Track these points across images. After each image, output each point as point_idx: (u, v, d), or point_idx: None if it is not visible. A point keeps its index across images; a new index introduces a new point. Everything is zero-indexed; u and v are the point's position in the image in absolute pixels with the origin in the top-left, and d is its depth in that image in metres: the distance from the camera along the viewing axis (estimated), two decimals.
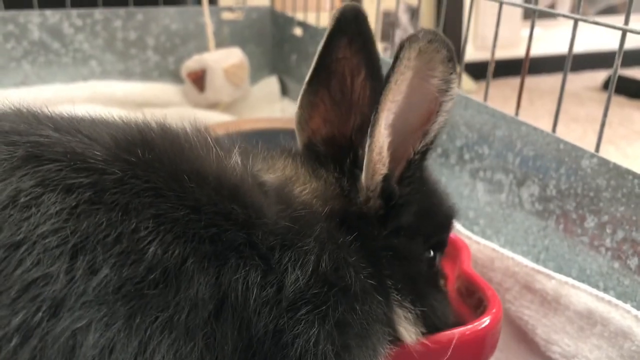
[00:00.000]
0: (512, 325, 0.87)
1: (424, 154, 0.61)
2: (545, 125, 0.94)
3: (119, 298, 0.41)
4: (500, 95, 2.47)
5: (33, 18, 1.61)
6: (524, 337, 0.86)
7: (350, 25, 0.66)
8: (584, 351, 0.75)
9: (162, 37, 1.77)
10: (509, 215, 1.00)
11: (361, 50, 0.66)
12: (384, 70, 0.60)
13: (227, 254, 0.46)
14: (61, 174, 0.43)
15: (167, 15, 1.76)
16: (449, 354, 0.65)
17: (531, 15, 0.98)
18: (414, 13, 2.57)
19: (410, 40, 0.53)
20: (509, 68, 2.33)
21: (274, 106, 1.83)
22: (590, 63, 2.91)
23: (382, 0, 1.40)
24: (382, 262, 0.61)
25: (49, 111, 0.52)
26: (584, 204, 0.86)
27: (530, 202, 0.96)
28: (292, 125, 0.70)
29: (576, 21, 0.89)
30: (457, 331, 0.66)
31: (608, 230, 0.82)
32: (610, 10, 3.25)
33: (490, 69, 1.04)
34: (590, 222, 0.85)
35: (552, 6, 3.04)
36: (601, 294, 0.77)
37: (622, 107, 2.46)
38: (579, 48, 0.95)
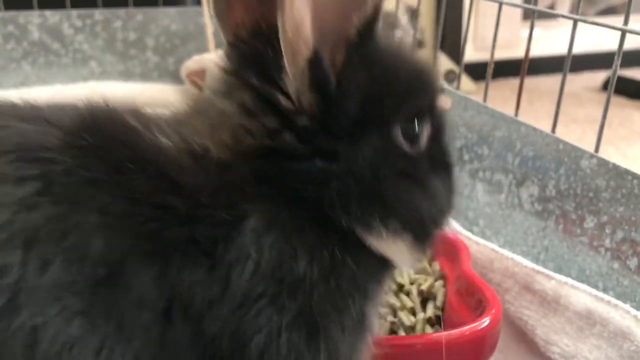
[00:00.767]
0: (511, 325, 0.87)
1: (367, 32, 0.50)
2: (545, 125, 0.94)
3: (72, 294, 0.41)
4: (500, 96, 2.47)
5: (33, 19, 1.61)
6: (524, 337, 0.86)
7: None
8: (583, 351, 0.75)
9: (162, 38, 1.77)
10: (508, 216, 1.01)
11: None
12: None
13: (169, 252, 0.44)
14: (13, 165, 0.43)
15: (167, 16, 1.76)
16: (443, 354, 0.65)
17: (531, 15, 0.98)
18: (413, 14, 2.57)
19: None
20: (508, 68, 2.33)
21: None
22: (590, 63, 2.91)
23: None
24: (332, 201, 0.50)
25: (21, 101, 0.51)
26: (584, 205, 0.86)
27: (530, 202, 0.96)
28: None
29: (575, 22, 0.89)
30: (455, 332, 0.66)
31: (607, 231, 0.82)
32: (609, 11, 3.25)
33: (490, 69, 1.04)
34: (590, 223, 0.85)
35: (552, 7, 3.04)
36: (600, 294, 0.77)
37: (621, 107, 2.46)
38: (578, 48, 0.95)
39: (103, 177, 0.44)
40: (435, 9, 2.72)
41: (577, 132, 2.16)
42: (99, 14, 1.68)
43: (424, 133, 0.54)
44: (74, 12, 1.65)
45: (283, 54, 0.47)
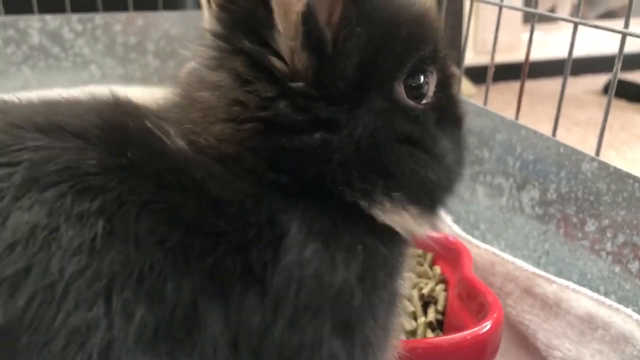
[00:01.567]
0: (513, 329, 0.87)
1: None
2: (546, 129, 0.94)
3: (159, 341, 0.39)
4: (500, 100, 2.46)
5: (33, 23, 1.61)
6: (525, 341, 0.85)
7: None
8: (585, 356, 0.75)
9: (162, 42, 1.77)
10: (509, 220, 1.00)
11: None
12: None
13: (231, 288, 0.42)
14: (67, 200, 0.39)
15: (167, 19, 1.76)
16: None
17: (531, 19, 0.98)
18: None
19: None
20: (509, 72, 2.32)
21: None
22: (591, 67, 2.91)
23: None
24: (335, 179, 0.47)
25: (18, 102, 0.47)
26: (585, 208, 0.86)
27: (531, 206, 0.95)
28: None
29: (576, 25, 0.89)
30: (456, 336, 0.66)
31: (609, 234, 0.82)
32: (610, 14, 3.25)
33: (490, 73, 1.04)
34: (591, 226, 0.85)
35: (552, 10, 3.04)
36: (602, 298, 0.77)
37: (622, 111, 2.46)
38: (579, 52, 0.95)
39: (152, 199, 0.41)
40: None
41: (577, 136, 2.15)
42: (99, 18, 1.68)
43: (430, 84, 0.51)
44: (74, 16, 1.65)
45: (274, 9, 0.45)
